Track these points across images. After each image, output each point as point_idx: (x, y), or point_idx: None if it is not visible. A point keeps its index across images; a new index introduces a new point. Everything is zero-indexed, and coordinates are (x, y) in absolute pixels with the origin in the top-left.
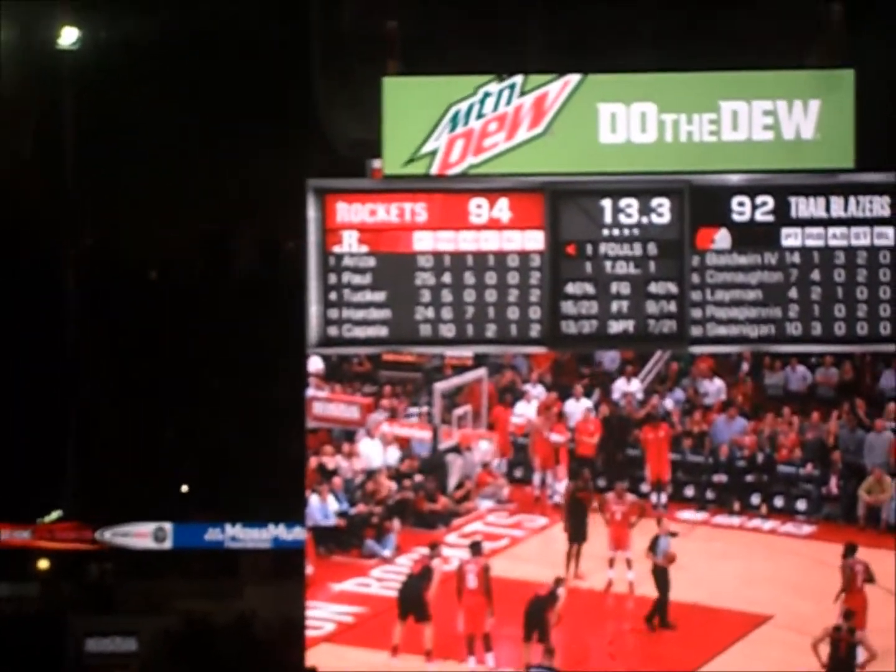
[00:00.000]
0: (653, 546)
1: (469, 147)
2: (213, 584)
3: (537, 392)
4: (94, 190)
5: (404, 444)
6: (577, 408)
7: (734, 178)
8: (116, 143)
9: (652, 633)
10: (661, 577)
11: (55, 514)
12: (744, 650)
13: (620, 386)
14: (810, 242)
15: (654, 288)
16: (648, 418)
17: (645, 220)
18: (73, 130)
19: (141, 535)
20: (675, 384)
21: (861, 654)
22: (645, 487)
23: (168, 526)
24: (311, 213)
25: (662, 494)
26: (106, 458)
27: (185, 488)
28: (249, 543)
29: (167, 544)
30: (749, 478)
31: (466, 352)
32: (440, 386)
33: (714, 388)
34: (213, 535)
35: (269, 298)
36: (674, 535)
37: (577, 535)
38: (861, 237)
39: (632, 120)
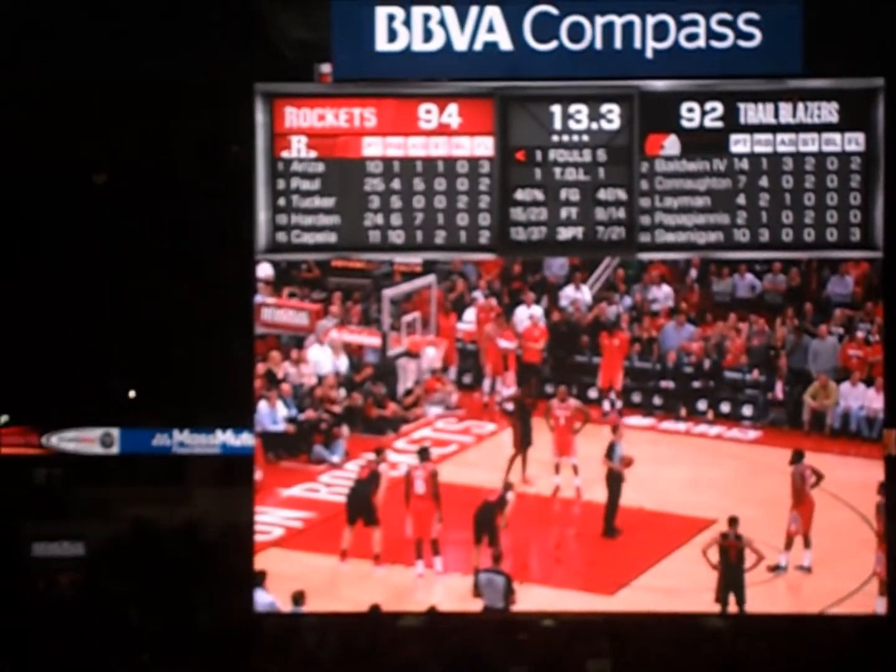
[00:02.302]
0: (609, 452)
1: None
2: (160, 489)
3: (485, 299)
4: (35, 91)
5: (353, 350)
6: (526, 315)
7: (683, 84)
8: (59, 43)
9: (588, 537)
10: (614, 482)
11: (2, 419)
12: (688, 554)
13: (569, 293)
14: (759, 149)
15: (603, 194)
16: (602, 325)
17: (594, 126)
18: (5, 30)
19: (88, 441)
20: (625, 291)
21: (749, 559)
22: (593, 393)
23: (115, 431)
24: (260, 117)
25: (616, 401)
26: (53, 363)
27: (132, 394)
28: (197, 449)
29: (114, 449)
30: (696, 384)
31: (415, 258)
32: (389, 292)
33: (662, 294)
34: (160, 440)
35: (216, 204)
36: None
37: (523, 440)
38: (809, 143)
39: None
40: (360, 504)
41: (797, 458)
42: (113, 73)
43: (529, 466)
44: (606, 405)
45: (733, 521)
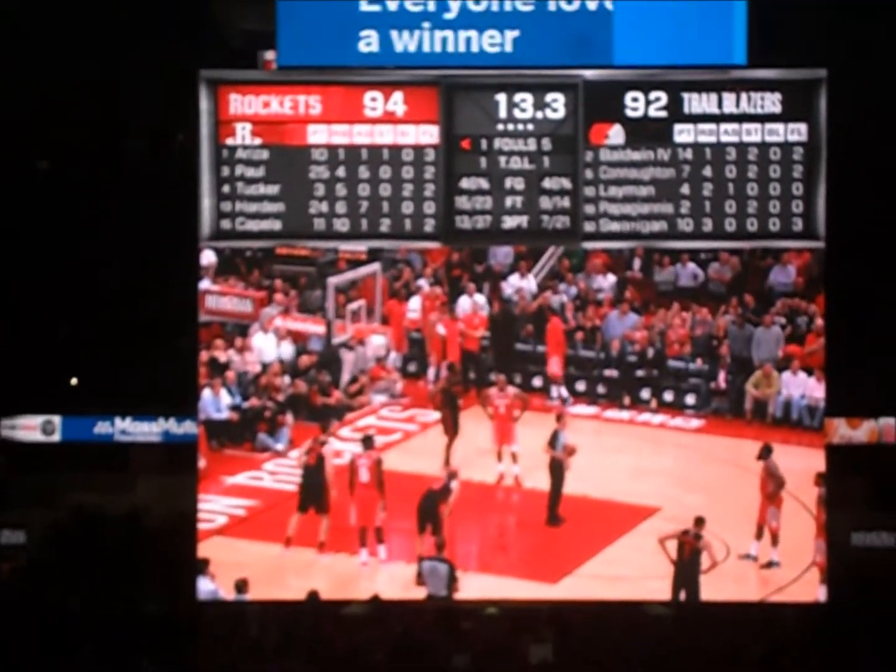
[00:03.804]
0: (552, 440)
1: None
2: (103, 477)
3: (430, 287)
4: None
5: (298, 338)
6: (468, 303)
7: (628, 74)
8: (1, 31)
9: (532, 525)
10: (557, 470)
11: None
12: (631, 542)
13: (514, 282)
14: (702, 139)
15: (548, 183)
16: (542, 312)
17: (539, 115)
18: None
19: (29, 428)
20: (569, 280)
21: (705, 561)
22: (538, 382)
23: (56, 419)
24: (204, 104)
25: (562, 389)
26: None
27: (74, 381)
28: (139, 437)
29: (56, 437)
30: (640, 372)
31: (360, 246)
32: (334, 280)
33: (607, 283)
34: (102, 428)
35: (160, 191)
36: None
37: (451, 428)
38: (752, 133)
39: None
40: (314, 491)
41: (766, 452)
42: (58, 60)
43: (473, 456)
44: (554, 392)
45: (699, 521)
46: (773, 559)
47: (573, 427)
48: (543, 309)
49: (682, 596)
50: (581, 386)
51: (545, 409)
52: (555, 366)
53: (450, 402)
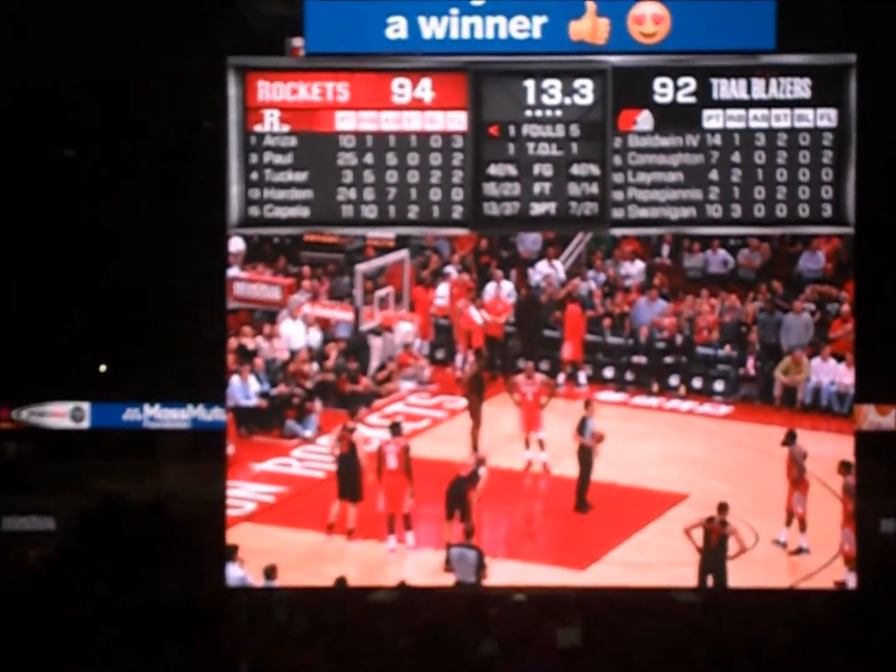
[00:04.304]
0: (581, 427)
1: None
2: (132, 464)
3: (458, 274)
4: (8, 68)
5: (326, 325)
6: (493, 290)
7: (657, 60)
8: (31, 22)
9: (560, 512)
10: (586, 457)
11: None
12: (660, 529)
13: (542, 268)
14: (731, 124)
15: (576, 170)
16: (566, 298)
17: (568, 101)
18: None
19: (58, 415)
20: (598, 267)
21: (733, 547)
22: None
23: (86, 406)
24: (232, 91)
25: (580, 374)
26: (23, 336)
27: (103, 368)
28: (168, 424)
29: (85, 424)
30: (668, 359)
31: (388, 233)
32: (362, 267)
33: (635, 270)
34: (131, 414)
35: (189, 178)
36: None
37: (477, 414)
38: (781, 119)
39: None
40: (349, 479)
41: (790, 438)
42: (87, 48)
43: (502, 442)
44: (560, 378)
45: (723, 507)
46: (803, 545)
47: (601, 414)
48: (571, 295)
49: (710, 583)
50: (609, 373)
51: (572, 396)
52: (568, 351)
53: (477, 388)
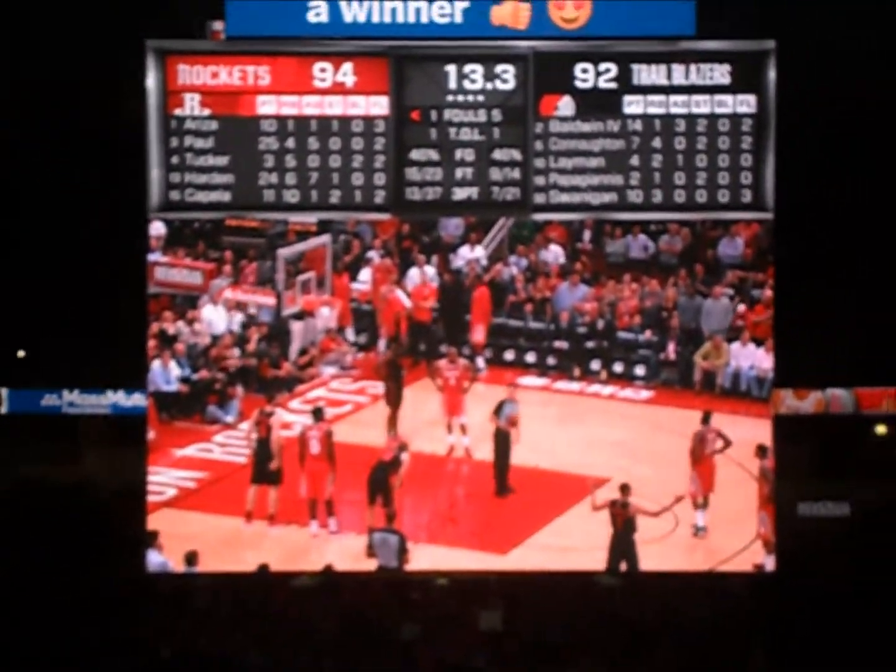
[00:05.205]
0: (498, 410)
1: None
2: (51, 449)
3: (380, 259)
4: None
5: (247, 310)
6: (418, 275)
7: (578, 45)
8: None
9: (481, 497)
10: (502, 440)
11: None
12: (582, 512)
13: (464, 253)
14: (652, 110)
15: (498, 155)
16: (497, 285)
17: (489, 86)
18: None
19: None
20: (520, 252)
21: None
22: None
23: (3, 391)
24: (152, 74)
25: (478, 357)
26: None
27: (21, 353)
28: (88, 409)
29: (2, 409)
30: (590, 344)
31: (310, 218)
32: (284, 252)
33: (556, 255)
34: (49, 400)
35: (108, 161)
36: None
37: (395, 400)
38: (701, 105)
39: None
40: (266, 463)
41: (705, 418)
42: (3, 27)
43: (423, 427)
44: (479, 361)
45: (624, 489)
46: (699, 524)
47: (523, 399)
48: (494, 281)
49: (623, 567)
50: (531, 357)
51: (494, 381)
52: (479, 334)
53: (394, 373)
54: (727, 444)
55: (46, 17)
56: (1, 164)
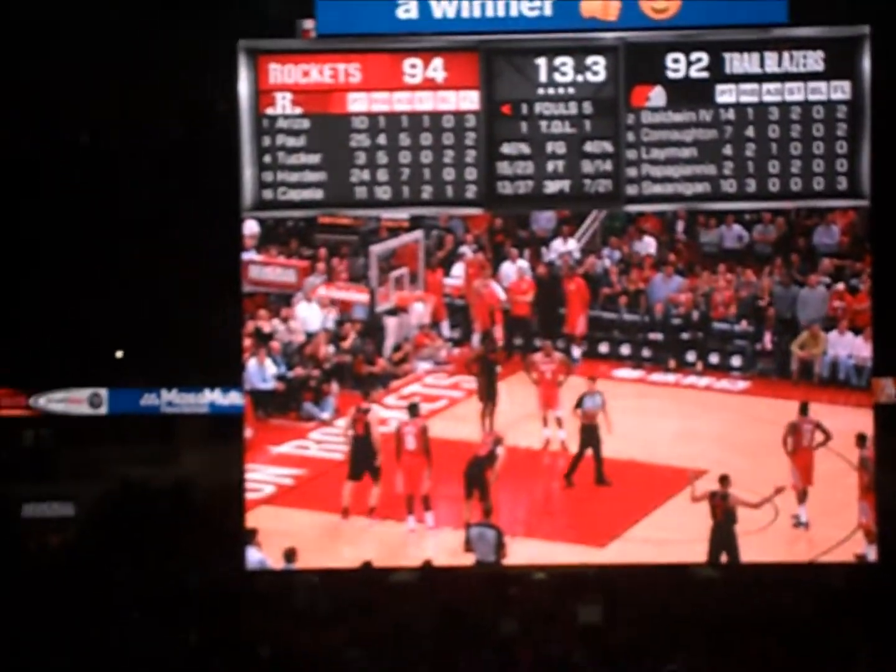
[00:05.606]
0: (579, 404)
1: None
2: (150, 449)
3: (473, 254)
4: (18, 54)
5: (342, 307)
6: (512, 269)
7: (669, 35)
8: (43, 7)
9: (579, 490)
10: (588, 434)
11: None
12: (679, 505)
13: (557, 246)
14: (744, 99)
15: (589, 147)
16: (590, 278)
17: (580, 78)
18: None
19: (76, 401)
20: (613, 244)
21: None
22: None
23: (103, 392)
24: (244, 74)
25: (576, 348)
26: (40, 323)
27: (120, 354)
28: (185, 408)
29: (102, 410)
30: (684, 335)
31: (402, 214)
32: (376, 248)
33: (651, 246)
34: (148, 400)
35: (202, 162)
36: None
37: (489, 395)
38: (795, 93)
39: None
40: (365, 459)
41: (803, 409)
42: (99, 32)
43: (518, 421)
44: (576, 352)
45: (723, 480)
46: (801, 518)
47: (619, 392)
48: (588, 273)
49: (724, 558)
50: (626, 350)
51: (590, 374)
52: (579, 325)
53: (486, 369)
54: (828, 437)
55: (142, 19)
56: (97, 166)
